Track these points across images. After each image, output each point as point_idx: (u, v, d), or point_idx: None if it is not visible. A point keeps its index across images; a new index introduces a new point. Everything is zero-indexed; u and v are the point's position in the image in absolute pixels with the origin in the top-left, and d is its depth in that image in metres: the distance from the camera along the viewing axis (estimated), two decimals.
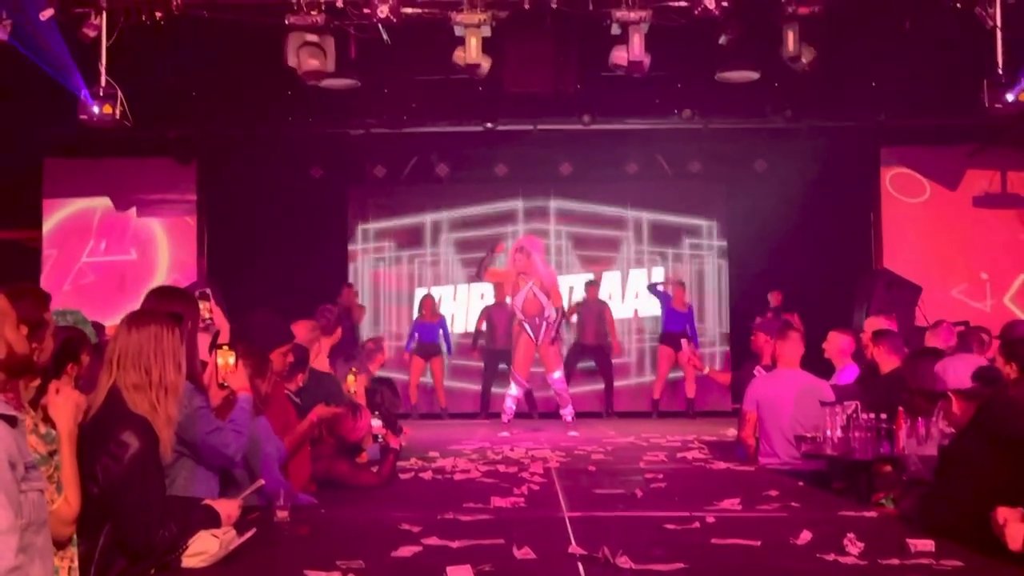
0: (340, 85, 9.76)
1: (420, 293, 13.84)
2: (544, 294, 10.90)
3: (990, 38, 8.32)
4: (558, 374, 10.99)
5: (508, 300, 11.35)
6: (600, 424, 11.30)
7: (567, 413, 10.98)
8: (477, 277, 11.73)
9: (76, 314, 5.26)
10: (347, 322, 12.29)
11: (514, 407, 11.09)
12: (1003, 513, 3.58)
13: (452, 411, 12.92)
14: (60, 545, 3.17)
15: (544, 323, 10.91)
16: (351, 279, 13.66)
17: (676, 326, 12.68)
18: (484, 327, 12.89)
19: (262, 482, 4.36)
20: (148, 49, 8.99)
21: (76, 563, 3.26)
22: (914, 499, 4.68)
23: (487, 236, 13.73)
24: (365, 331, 13.18)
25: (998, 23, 8.15)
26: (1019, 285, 12.19)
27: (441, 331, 13.11)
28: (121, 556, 3.39)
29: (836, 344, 7.47)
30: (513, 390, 11.06)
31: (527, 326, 10.92)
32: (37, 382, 3.65)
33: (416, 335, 13.02)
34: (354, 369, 7.40)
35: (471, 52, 8.44)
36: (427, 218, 13.92)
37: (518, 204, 13.71)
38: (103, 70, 8.56)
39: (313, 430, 5.52)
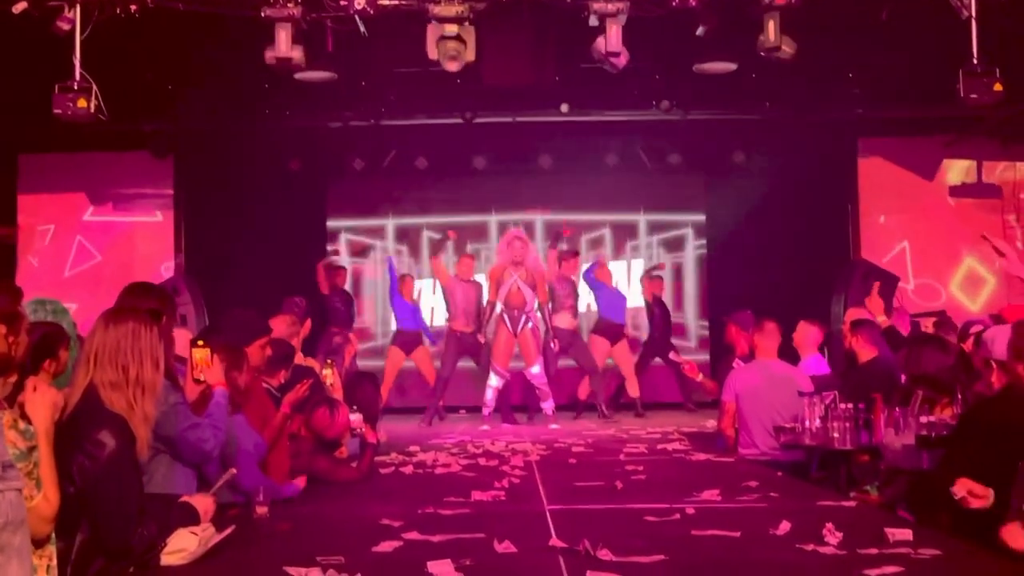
0: (317, 78, 9.70)
1: None
2: (529, 287, 10.93)
3: (965, 28, 8.35)
4: (536, 368, 10.99)
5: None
6: (581, 417, 11.30)
7: (548, 407, 11.00)
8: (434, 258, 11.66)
9: (55, 304, 5.25)
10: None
11: (495, 398, 11.09)
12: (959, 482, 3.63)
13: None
14: (39, 544, 3.14)
15: (524, 316, 10.94)
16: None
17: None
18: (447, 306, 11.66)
19: (234, 471, 4.31)
20: (123, 42, 8.91)
21: (55, 562, 3.24)
22: (899, 487, 4.70)
23: (466, 228, 13.72)
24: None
25: (973, 14, 8.19)
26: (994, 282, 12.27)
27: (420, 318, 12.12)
28: (99, 555, 3.37)
29: (804, 334, 7.51)
30: (493, 381, 11.03)
31: (506, 317, 10.94)
32: (14, 378, 3.63)
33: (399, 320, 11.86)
34: (330, 361, 7.39)
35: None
36: (406, 210, 13.87)
37: (497, 196, 13.66)
38: (77, 63, 8.47)
39: (288, 420, 5.48)
